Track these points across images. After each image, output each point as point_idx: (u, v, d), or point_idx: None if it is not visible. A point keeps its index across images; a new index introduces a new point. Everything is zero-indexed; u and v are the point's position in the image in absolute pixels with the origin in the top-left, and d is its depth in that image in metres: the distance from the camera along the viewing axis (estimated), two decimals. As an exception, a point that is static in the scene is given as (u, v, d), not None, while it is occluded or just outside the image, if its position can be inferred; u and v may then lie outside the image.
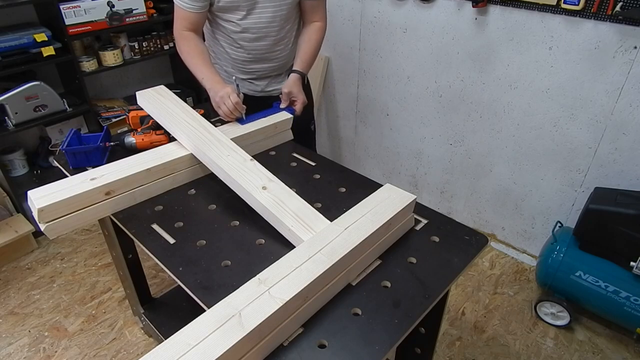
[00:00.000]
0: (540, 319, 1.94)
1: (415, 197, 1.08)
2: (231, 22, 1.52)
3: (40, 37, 2.05)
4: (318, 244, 0.94)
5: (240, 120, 1.45)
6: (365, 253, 0.98)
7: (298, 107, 1.57)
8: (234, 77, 1.47)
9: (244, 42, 1.56)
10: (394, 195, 1.08)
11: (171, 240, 1.08)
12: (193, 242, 1.08)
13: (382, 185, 1.13)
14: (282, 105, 1.56)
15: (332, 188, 1.29)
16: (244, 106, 1.44)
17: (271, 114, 1.52)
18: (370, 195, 1.08)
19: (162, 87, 1.57)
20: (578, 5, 1.65)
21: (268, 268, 0.89)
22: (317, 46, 1.66)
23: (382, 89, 2.47)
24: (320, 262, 0.89)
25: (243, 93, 1.65)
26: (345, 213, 1.03)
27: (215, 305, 0.81)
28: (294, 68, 1.62)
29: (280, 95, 1.59)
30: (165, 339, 0.74)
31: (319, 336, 0.85)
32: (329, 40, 2.57)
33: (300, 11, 1.62)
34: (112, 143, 1.47)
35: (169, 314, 1.73)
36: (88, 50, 2.40)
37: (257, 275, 0.87)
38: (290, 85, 1.56)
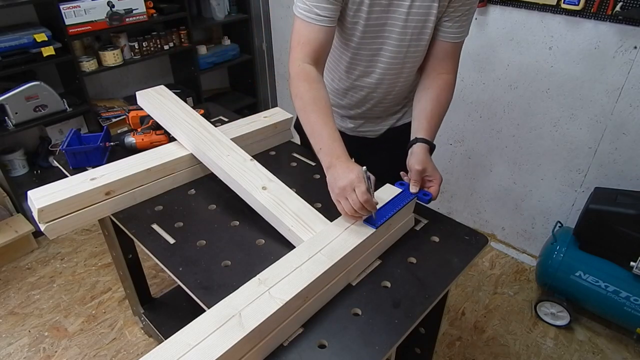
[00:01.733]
0: (540, 319, 1.94)
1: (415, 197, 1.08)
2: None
3: (40, 37, 2.05)
4: (318, 244, 0.94)
5: (369, 220, 1.01)
6: (365, 253, 0.98)
7: (435, 189, 1.11)
8: (364, 168, 0.97)
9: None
10: (394, 195, 1.08)
11: (171, 240, 1.08)
12: (193, 242, 1.08)
13: (382, 186, 1.13)
14: (414, 189, 1.10)
15: (332, 188, 1.28)
16: (376, 202, 0.98)
17: (403, 203, 1.06)
18: (370, 195, 1.08)
19: (162, 87, 1.56)
20: (578, 5, 1.65)
21: (268, 268, 0.89)
22: (446, 110, 1.22)
23: (382, 89, 2.47)
24: (320, 262, 0.89)
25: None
26: (345, 213, 1.03)
27: (215, 305, 0.81)
28: (419, 136, 1.14)
29: (403, 174, 1.16)
30: (165, 339, 0.74)
31: (319, 336, 0.85)
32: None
33: (427, 54, 1.21)
34: (112, 143, 1.47)
35: (169, 314, 1.73)
36: (88, 50, 2.40)
37: (257, 276, 0.87)
38: (422, 160, 1.10)
